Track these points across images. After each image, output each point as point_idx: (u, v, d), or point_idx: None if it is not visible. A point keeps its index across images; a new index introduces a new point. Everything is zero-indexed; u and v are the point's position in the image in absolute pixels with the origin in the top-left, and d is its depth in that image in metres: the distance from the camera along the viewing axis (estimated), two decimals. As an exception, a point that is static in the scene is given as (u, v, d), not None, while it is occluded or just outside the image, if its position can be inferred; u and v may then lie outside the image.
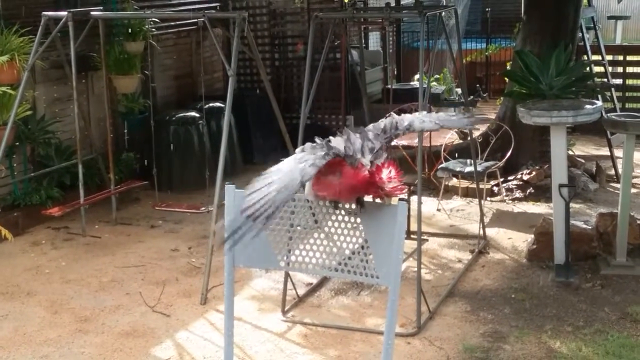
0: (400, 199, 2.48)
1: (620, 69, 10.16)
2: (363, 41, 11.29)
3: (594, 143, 9.49)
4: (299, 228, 2.61)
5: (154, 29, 8.07)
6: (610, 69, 9.30)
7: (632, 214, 5.91)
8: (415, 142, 6.37)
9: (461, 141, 8.38)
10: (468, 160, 7.05)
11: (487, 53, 12.87)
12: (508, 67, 8.94)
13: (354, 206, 2.52)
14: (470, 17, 14.88)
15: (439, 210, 7.28)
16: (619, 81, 9.88)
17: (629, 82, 10.22)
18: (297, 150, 2.45)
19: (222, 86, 9.78)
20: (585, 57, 8.61)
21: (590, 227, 5.89)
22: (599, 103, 6.09)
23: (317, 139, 2.43)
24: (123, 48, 7.73)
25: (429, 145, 7.49)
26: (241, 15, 5.73)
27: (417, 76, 11.04)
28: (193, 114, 8.31)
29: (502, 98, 8.92)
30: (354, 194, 2.44)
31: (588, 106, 5.73)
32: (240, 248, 2.63)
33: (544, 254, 5.82)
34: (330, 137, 2.45)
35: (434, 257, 6.11)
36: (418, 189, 5.20)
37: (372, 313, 5.08)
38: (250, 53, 6.43)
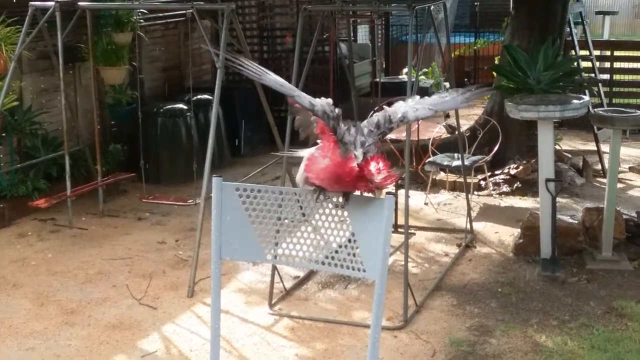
0: (387, 193, 2.47)
1: (607, 64, 10.20)
2: (352, 34, 11.27)
3: (581, 138, 9.53)
4: (286, 221, 2.61)
5: (142, 20, 8.03)
6: (597, 64, 9.33)
7: (618, 208, 5.95)
8: (403, 135, 6.37)
9: (449, 135, 8.39)
10: (456, 155, 7.06)
11: (475, 47, 12.89)
12: (496, 62, 8.96)
13: (340, 199, 2.52)
14: (459, 11, 14.90)
15: (426, 204, 7.29)
16: (606, 76, 9.92)
17: (616, 77, 10.26)
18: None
19: (210, 78, 9.75)
20: (573, 52, 8.64)
21: (576, 222, 5.92)
22: (586, 98, 6.11)
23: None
24: (111, 39, 7.69)
25: (416, 139, 7.49)
26: (230, 7, 5.71)
27: (405, 70, 11.04)
28: (181, 106, 8.28)
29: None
30: (336, 184, 2.43)
31: (575, 101, 5.75)
32: (227, 240, 2.63)
33: (530, 248, 5.84)
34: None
35: (421, 251, 6.13)
36: (406, 182, 5.21)
37: (359, 306, 5.09)
38: (238, 45, 6.41)
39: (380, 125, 2.48)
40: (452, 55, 10.18)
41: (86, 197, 7.13)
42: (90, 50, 7.11)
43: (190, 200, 7.21)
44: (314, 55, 5.76)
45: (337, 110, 2.43)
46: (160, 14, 8.76)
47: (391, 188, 6.34)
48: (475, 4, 13.95)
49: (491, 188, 7.61)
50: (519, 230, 6.07)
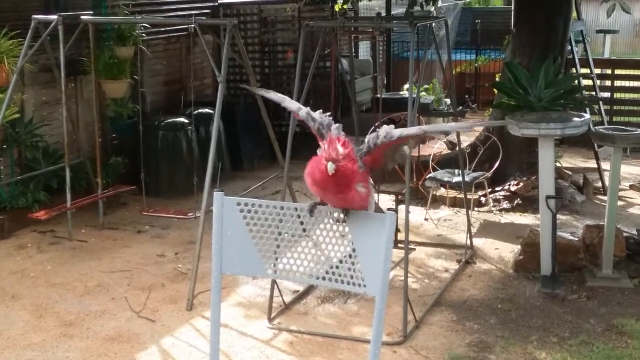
0: (388, 209, 2.49)
1: (608, 83, 10.22)
2: (353, 50, 11.31)
3: (582, 156, 9.54)
4: (287, 236, 2.61)
5: (144, 35, 8.06)
6: (598, 82, 9.35)
7: (618, 226, 5.94)
8: (404, 151, 6.37)
9: (450, 151, 8.40)
10: (456, 171, 7.07)
11: (476, 64, 12.92)
12: (497, 79, 8.98)
13: (342, 215, 2.52)
14: (460, 28, 14.94)
15: (426, 219, 7.29)
16: (607, 95, 9.94)
17: (617, 95, 10.28)
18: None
19: (212, 93, 9.77)
20: (574, 71, 8.66)
21: (577, 239, 5.91)
22: (587, 116, 6.12)
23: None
24: (113, 53, 7.71)
25: (417, 155, 7.50)
26: (232, 22, 5.73)
27: (406, 86, 11.06)
28: (182, 119, 8.30)
29: (491, 109, 8.96)
30: (316, 186, 2.49)
31: (576, 119, 5.75)
32: (228, 255, 2.63)
33: (530, 265, 5.83)
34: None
35: (421, 267, 6.12)
36: (406, 198, 5.21)
37: (359, 322, 5.07)
38: (240, 60, 6.43)
39: (369, 140, 2.54)
40: (454, 72, 10.21)
41: (86, 210, 7.13)
42: (93, 63, 7.13)
43: (191, 214, 7.20)
44: (315, 70, 5.77)
45: (324, 116, 2.60)
46: (163, 29, 8.79)
47: (391, 204, 6.36)
48: (477, 21, 14.00)
49: (492, 204, 7.61)
50: (519, 247, 6.06)
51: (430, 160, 7.55)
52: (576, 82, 7.97)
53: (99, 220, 7.08)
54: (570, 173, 8.26)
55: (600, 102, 8.95)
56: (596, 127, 6.58)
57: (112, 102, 8.12)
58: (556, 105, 6.81)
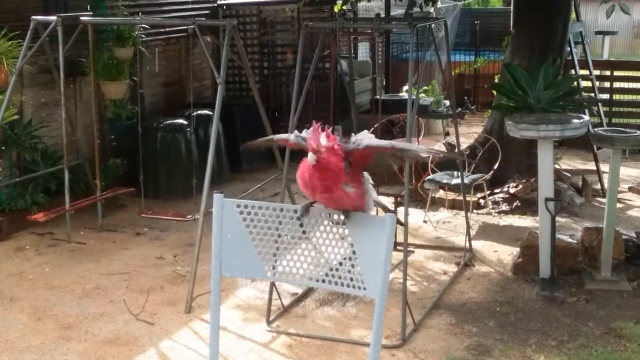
0: (388, 211, 2.49)
1: (607, 84, 10.23)
2: (352, 51, 11.31)
3: (581, 157, 9.54)
4: (286, 238, 2.61)
5: (143, 35, 8.06)
6: (597, 83, 9.36)
7: (617, 228, 5.94)
8: (403, 153, 6.37)
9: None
10: (455, 173, 7.07)
11: (475, 66, 12.93)
12: (496, 80, 8.99)
13: (341, 217, 2.53)
14: (459, 29, 14.95)
15: (425, 222, 7.29)
16: (606, 96, 9.94)
17: (616, 97, 10.29)
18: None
19: (210, 94, 9.77)
20: (573, 72, 8.67)
21: (575, 242, 5.91)
22: (586, 117, 6.12)
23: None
24: (112, 54, 7.71)
25: (416, 156, 7.49)
26: (231, 23, 5.73)
27: (405, 87, 11.07)
28: (181, 121, 8.29)
29: (490, 111, 8.96)
30: (305, 186, 2.53)
31: (575, 120, 5.75)
32: (228, 257, 2.63)
33: (529, 268, 5.83)
34: None
35: (419, 269, 6.12)
36: (405, 200, 5.21)
37: (357, 324, 5.07)
38: (239, 61, 6.43)
39: (345, 142, 2.56)
40: (453, 73, 10.22)
41: (85, 212, 7.12)
42: (92, 64, 7.13)
43: (189, 216, 7.20)
44: (314, 71, 5.77)
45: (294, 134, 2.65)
46: (162, 30, 8.79)
47: (390, 206, 6.35)
48: (476, 22, 14.00)
49: (490, 206, 7.61)
50: (518, 249, 6.06)
51: (429, 162, 7.55)
52: (575, 83, 7.99)
53: (98, 222, 7.08)
54: (569, 175, 8.26)
55: (599, 104, 8.96)
56: (595, 129, 6.60)
57: (110, 103, 8.12)
58: (555, 107, 6.83)
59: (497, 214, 7.50)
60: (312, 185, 2.51)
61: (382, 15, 10.98)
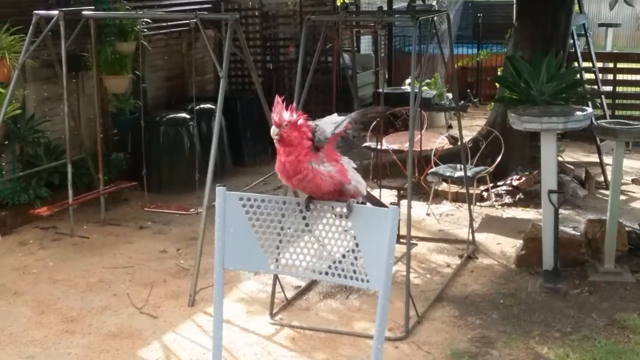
0: (391, 203, 2.48)
1: (610, 76, 10.20)
2: (355, 44, 11.30)
3: (584, 150, 9.53)
4: (289, 231, 2.61)
5: (145, 30, 8.05)
6: (600, 76, 9.34)
7: (620, 220, 5.94)
8: (405, 146, 6.38)
9: (451, 146, 8.40)
10: (458, 165, 7.06)
11: (478, 58, 12.90)
12: (499, 73, 8.97)
13: (344, 209, 2.52)
14: (462, 22, 14.92)
15: (428, 214, 7.29)
16: (609, 88, 9.92)
17: (619, 89, 10.26)
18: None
19: (213, 88, 9.76)
20: (576, 64, 8.65)
21: (579, 234, 5.91)
22: (589, 110, 6.11)
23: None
24: (114, 48, 7.70)
25: (419, 149, 7.49)
26: (233, 16, 5.72)
27: (408, 80, 11.06)
28: (184, 115, 8.29)
29: (492, 103, 8.94)
30: (282, 176, 2.53)
31: (578, 113, 5.74)
32: (231, 250, 2.63)
33: (532, 260, 5.83)
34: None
35: (422, 262, 6.12)
36: (408, 193, 5.21)
37: (361, 317, 5.08)
38: (241, 55, 6.42)
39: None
40: (455, 66, 10.19)
41: (88, 206, 7.13)
42: (94, 59, 7.12)
43: (192, 209, 7.19)
44: (317, 65, 5.76)
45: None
46: (164, 24, 8.78)
47: (393, 199, 6.36)
48: (479, 15, 13.97)
49: (493, 199, 7.60)
50: (521, 241, 6.06)
51: (432, 155, 7.54)
52: (578, 75, 7.96)
53: (101, 216, 7.09)
54: (572, 167, 8.25)
55: (602, 96, 8.94)
56: (598, 121, 6.59)
57: (113, 98, 8.12)
58: (558, 99, 6.81)
59: (500, 207, 7.49)
60: (282, 168, 2.50)
61: (385, 8, 10.96)
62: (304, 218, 2.59)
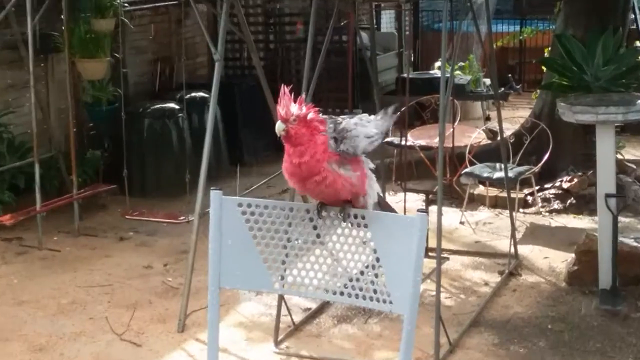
0: (419, 210, 2.47)
1: (679, 58, 10.17)
2: (374, 21, 11.32)
3: (648, 146, 9.52)
4: (297, 243, 2.61)
5: (126, 4, 8.08)
6: (667, 57, 9.31)
7: (692, 230, 5.92)
8: (435, 142, 6.37)
9: (489, 141, 8.40)
10: (497, 165, 7.06)
11: (521, 37, 12.89)
12: (546, 54, 8.96)
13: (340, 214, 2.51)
14: (502, -6, 14.92)
15: (462, 223, 7.30)
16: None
17: (690, 73, 10.22)
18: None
19: (206, 73, 9.80)
20: (638, 44, 8.63)
21: (642, 246, 5.90)
22: (655, 98, 6.09)
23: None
24: (90, 26, 7.72)
25: (451, 146, 7.49)
26: (230, -12, 5.74)
27: (438, 64, 11.05)
28: (172, 105, 8.32)
29: (538, 91, 8.94)
30: (290, 179, 2.52)
31: (641, 102, 5.74)
32: (228, 266, 2.63)
33: (586, 277, 5.82)
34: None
35: (455, 279, 6.12)
36: (438, 198, 5.20)
37: (382, 345, 5.08)
38: (240, 34, 6.43)
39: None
40: (494, 46, 10.19)
41: (59, 213, 7.16)
42: (66, 39, 7.15)
43: (182, 217, 7.23)
44: (329, 46, 5.77)
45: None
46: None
47: (420, 204, 6.36)
48: (522, -15, 13.99)
49: (540, 205, 7.60)
50: (572, 255, 6.05)
51: (467, 152, 7.54)
52: (640, 57, 7.94)
53: (74, 225, 7.11)
54: (634, 166, 8.23)
55: (670, 82, 8.91)
56: (665, 112, 6.55)
57: (88, 85, 8.15)
58: (617, 85, 6.79)
59: (547, 214, 7.49)
60: (295, 169, 2.48)
61: (410, -22, 10.97)
62: (315, 228, 2.59)
